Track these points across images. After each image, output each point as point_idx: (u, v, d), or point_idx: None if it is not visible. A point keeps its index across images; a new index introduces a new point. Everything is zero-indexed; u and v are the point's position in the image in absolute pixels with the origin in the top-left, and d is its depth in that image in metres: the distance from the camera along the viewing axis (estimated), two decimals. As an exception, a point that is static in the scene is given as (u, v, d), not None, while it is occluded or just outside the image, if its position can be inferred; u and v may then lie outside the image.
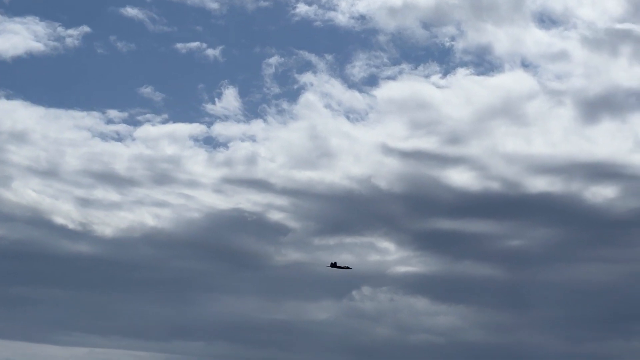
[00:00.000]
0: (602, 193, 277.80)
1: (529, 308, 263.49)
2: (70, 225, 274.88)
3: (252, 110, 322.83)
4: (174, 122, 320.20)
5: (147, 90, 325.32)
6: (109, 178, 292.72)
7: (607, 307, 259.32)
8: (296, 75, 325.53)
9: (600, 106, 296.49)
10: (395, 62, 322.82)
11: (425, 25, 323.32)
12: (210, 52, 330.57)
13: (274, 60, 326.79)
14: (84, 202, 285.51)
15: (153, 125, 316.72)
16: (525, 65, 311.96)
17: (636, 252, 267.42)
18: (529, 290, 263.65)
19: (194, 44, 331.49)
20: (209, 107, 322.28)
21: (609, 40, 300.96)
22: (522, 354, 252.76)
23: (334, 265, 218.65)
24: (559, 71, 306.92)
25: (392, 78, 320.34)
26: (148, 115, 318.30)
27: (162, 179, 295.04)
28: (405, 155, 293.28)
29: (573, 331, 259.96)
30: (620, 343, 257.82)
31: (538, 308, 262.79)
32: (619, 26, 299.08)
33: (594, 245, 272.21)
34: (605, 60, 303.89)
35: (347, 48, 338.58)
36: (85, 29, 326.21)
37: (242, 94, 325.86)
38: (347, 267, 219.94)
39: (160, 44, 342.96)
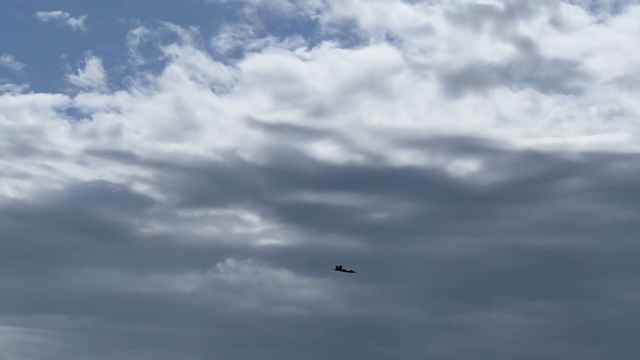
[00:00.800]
0: (465, 167, 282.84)
1: (392, 280, 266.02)
2: None
3: (116, 82, 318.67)
4: (36, 92, 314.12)
5: (6, 59, 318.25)
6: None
7: (468, 279, 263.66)
8: (161, 47, 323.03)
9: (463, 81, 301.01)
10: (260, 35, 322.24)
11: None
12: (72, 21, 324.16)
13: (139, 31, 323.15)
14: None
15: (13, 95, 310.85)
16: (390, 39, 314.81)
17: (497, 225, 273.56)
18: (392, 263, 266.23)
19: (56, 13, 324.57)
20: (72, 77, 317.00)
21: (471, 16, 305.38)
22: (385, 326, 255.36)
23: (339, 268, 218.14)
24: (423, 45, 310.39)
25: (257, 51, 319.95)
26: (8, 85, 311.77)
27: (22, 150, 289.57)
28: (270, 128, 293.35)
29: (435, 303, 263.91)
30: (480, 314, 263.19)
31: (401, 280, 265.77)
32: (481, 2, 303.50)
33: (456, 219, 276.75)
34: (468, 36, 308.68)
35: (212, 20, 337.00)
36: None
37: (106, 64, 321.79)
38: (352, 271, 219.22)
39: (20, 12, 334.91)
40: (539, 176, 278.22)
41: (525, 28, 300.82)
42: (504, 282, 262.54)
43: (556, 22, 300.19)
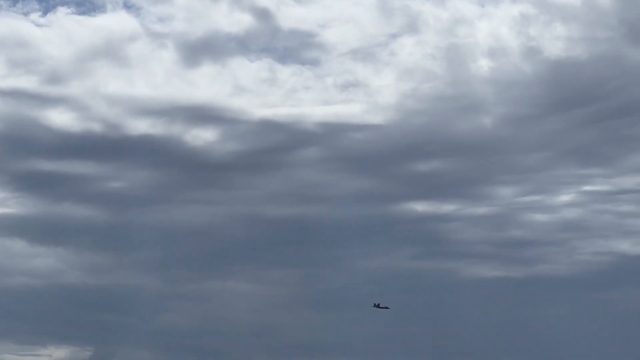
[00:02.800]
0: (202, 136, 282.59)
1: (129, 250, 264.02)
2: None
3: None
4: None
5: None
6: None
7: (205, 249, 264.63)
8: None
9: (201, 50, 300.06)
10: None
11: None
12: None
13: None
14: None
15: None
16: (128, 6, 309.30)
17: (234, 194, 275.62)
18: (129, 232, 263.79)
19: None
20: None
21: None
22: (120, 295, 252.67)
23: (377, 305, 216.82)
24: (161, 14, 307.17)
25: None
26: None
27: None
28: (4, 94, 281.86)
29: (172, 272, 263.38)
30: (217, 283, 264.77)
31: (138, 249, 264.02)
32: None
33: (193, 188, 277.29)
34: (206, 5, 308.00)
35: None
36: None
37: None
38: (386, 307, 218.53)
39: None
40: (276, 146, 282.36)
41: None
42: (240, 251, 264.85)
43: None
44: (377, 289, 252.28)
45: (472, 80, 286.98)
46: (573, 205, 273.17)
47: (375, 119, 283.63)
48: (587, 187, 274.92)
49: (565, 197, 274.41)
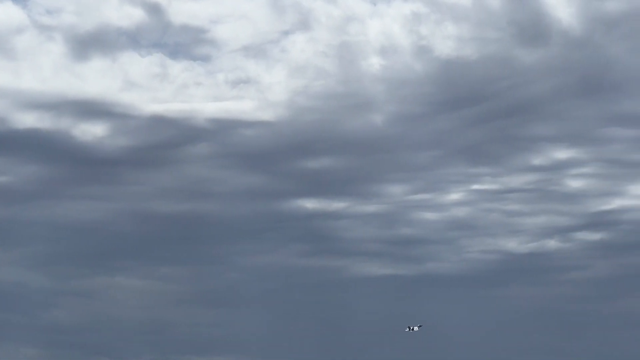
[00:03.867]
0: (92, 131, 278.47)
1: (14, 245, 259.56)
2: None
3: None
4: None
5: None
6: None
7: (93, 245, 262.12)
8: None
9: (90, 44, 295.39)
10: None
11: None
12: None
13: None
14: None
15: None
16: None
17: (124, 190, 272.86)
18: (14, 228, 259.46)
19: None
20: None
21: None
22: (5, 292, 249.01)
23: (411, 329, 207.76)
24: (49, 6, 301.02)
25: None
26: None
27: None
28: None
29: (59, 268, 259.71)
30: (105, 279, 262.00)
31: (23, 245, 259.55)
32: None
33: (82, 183, 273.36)
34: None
35: None
36: None
37: None
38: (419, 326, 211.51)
39: None
40: (167, 142, 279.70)
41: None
42: (130, 247, 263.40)
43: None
44: (267, 286, 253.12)
45: (363, 78, 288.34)
46: (462, 203, 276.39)
47: (266, 115, 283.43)
48: (476, 186, 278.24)
49: (454, 196, 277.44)
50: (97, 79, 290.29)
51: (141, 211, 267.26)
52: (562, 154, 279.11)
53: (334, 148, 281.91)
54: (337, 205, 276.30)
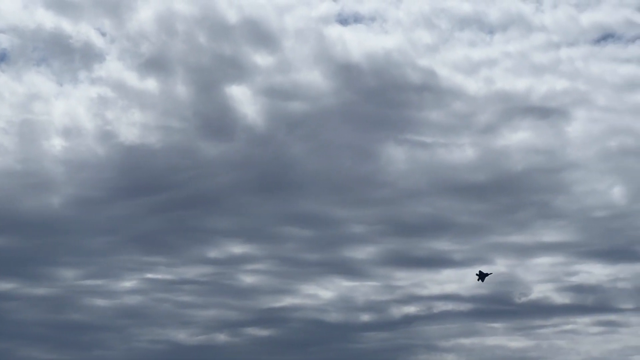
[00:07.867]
0: None
1: None
2: None
3: None
4: None
5: None
6: None
7: None
8: None
9: None
10: None
11: None
12: None
13: None
14: None
15: None
16: None
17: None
18: None
19: None
20: None
21: None
22: None
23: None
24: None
25: None
26: None
27: None
28: None
29: None
30: None
31: None
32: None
33: None
34: None
35: None
36: None
37: None
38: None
39: None
40: None
41: None
42: None
43: None
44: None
45: (44, 158, 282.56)
46: (134, 292, 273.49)
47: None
48: (150, 275, 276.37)
49: (127, 283, 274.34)
50: None
51: None
52: (237, 248, 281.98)
53: (8, 227, 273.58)
54: (5, 286, 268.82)
